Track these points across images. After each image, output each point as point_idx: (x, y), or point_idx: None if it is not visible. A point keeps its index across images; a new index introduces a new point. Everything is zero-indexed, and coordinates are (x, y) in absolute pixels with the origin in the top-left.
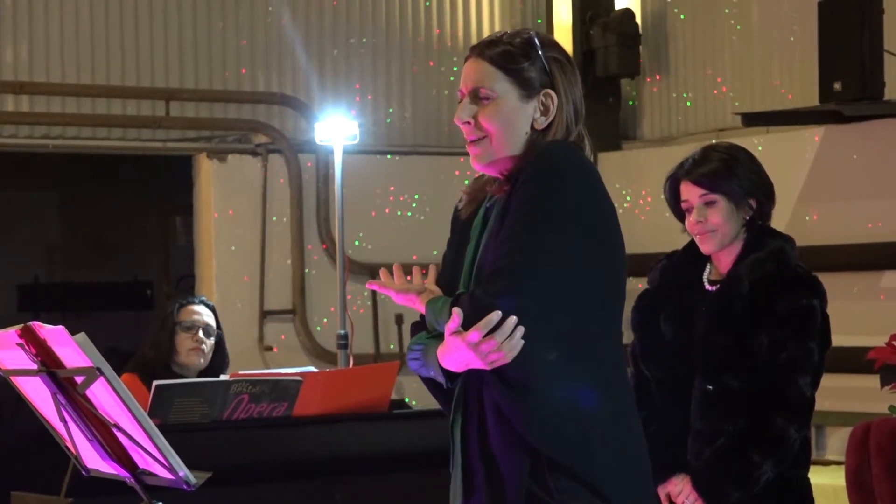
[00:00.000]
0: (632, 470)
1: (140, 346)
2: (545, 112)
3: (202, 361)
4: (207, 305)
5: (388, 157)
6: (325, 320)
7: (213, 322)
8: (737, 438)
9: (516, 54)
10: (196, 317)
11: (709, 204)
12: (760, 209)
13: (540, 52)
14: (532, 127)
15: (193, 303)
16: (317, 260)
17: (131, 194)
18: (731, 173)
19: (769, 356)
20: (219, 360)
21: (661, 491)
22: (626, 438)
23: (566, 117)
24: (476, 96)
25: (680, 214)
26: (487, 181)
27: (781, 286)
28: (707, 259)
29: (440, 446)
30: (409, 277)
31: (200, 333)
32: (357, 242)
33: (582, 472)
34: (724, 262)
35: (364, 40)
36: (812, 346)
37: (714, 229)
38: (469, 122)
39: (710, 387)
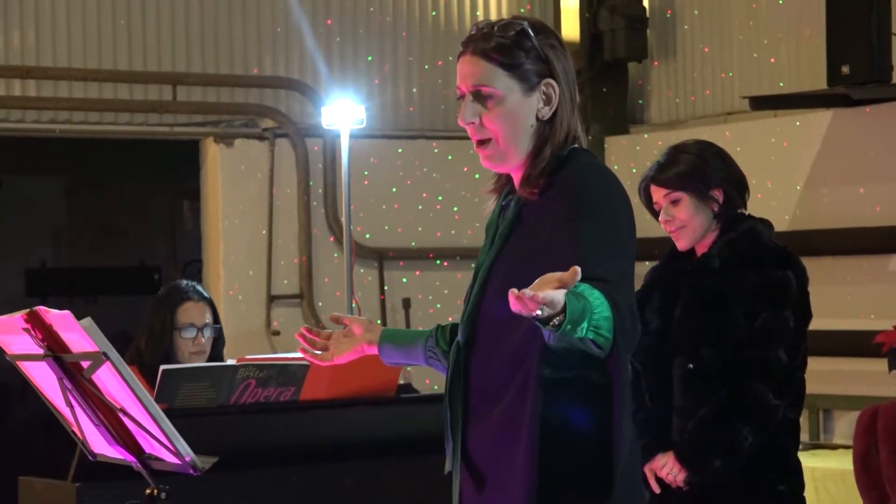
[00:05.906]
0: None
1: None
2: (548, 102)
3: (203, 359)
4: (204, 298)
5: (396, 141)
6: (333, 304)
7: (210, 317)
8: (717, 408)
9: (513, 48)
10: (195, 320)
11: (674, 202)
12: (729, 200)
13: (535, 42)
14: (537, 118)
15: (191, 298)
16: (324, 244)
17: (138, 179)
18: (693, 171)
19: (745, 328)
20: (218, 349)
21: (647, 469)
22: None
23: (568, 102)
24: (479, 95)
25: (657, 216)
26: (506, 181)
27: (753, 261)
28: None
29: None
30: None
31: (201, 338)
32: (363, 226)
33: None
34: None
35: (371, 24)
36: (787, 315)
37: (683, 225)
38: (473, 123)
39: (691, 365)
